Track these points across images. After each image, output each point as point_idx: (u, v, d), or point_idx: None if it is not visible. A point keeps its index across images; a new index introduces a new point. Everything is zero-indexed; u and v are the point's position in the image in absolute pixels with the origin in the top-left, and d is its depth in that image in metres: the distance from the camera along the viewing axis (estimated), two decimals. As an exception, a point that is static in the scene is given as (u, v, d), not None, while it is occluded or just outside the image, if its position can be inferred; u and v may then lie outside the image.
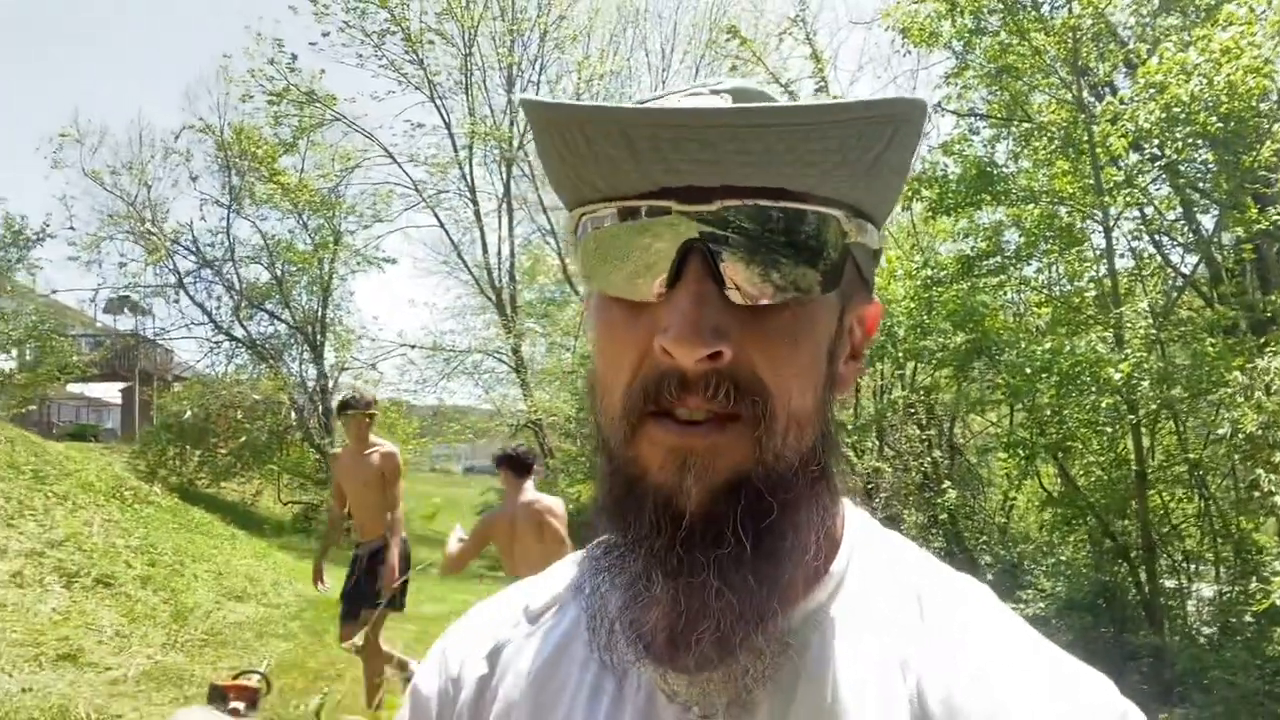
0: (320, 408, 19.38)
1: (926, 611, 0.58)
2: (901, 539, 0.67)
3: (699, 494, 0.52)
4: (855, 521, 0.65)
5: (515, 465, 4.29)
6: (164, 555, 8.20)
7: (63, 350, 17.92)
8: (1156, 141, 7.75)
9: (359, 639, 4.70)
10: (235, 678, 5.02)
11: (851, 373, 0.64)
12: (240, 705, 4.51)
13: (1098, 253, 9.24)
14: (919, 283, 8.47)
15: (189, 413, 16.34)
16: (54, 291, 20.19)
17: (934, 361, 8.86)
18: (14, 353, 17.68)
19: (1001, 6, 8.56)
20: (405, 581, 4.82)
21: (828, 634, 0.58)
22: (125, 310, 24.00)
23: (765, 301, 0.53)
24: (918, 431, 12.03)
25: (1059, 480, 10.35)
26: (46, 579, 6.55)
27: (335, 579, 5.37)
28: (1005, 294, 9.33)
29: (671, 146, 0.50)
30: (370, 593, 4.84)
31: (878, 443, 13.15)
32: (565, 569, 0.72)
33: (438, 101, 18.62)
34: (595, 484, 0.61)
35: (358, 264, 20.23)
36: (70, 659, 5.35)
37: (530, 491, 4.26)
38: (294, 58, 17.16)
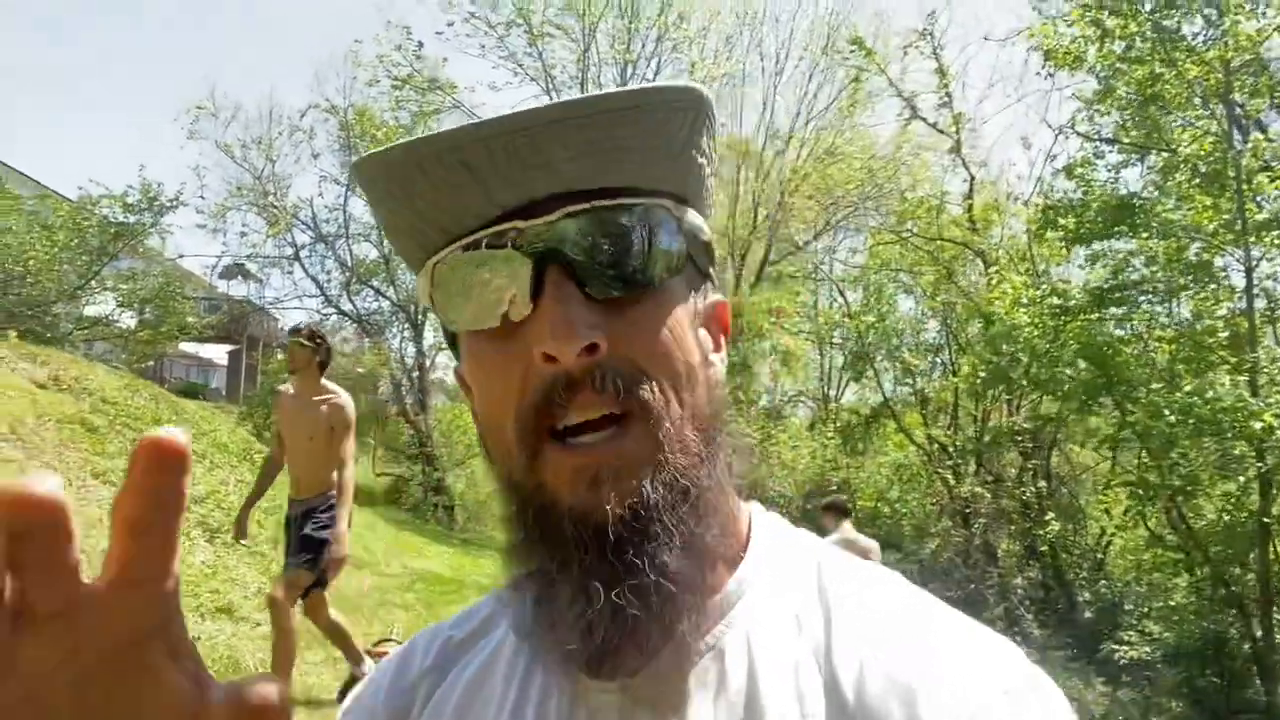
0: (417, 385, 19.99)
1: (832, 599, 0.59)
2: (809, 535, 0.68)
3: (617, 503, 0.52)
4: (760, 518, 0.66)
5: (837, 510, 5.55)
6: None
7: (183, 311, 18.85)
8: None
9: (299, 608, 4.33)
10: (377, 644, 5.31)
11: (719, 368, 0.64)
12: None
13: (1231, 290, 8.97)
14: (1045, 311, 8.32)
15: (297, 380, 17.04)
16: (180, 256, 21.23)
17: (1059, 394, 8.70)
18: (144, 311, 18.64)
19: (1154, 35, 8.34)
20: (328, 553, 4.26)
21: (742, 630, 0.58)
22: (240, 277, 25.13)
23: (622, 295, 0.55)
24: (1020, 460, 11.81)
25: (1166, 522, 10.07)
26: (193, 533, 6.98)
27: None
28: (1132, 327, 9.10)
29: (505, 155, 0.52)
30: (298, 557, 4.25)
31: (975, 466, 12.97)
32: (490, 599, 0.72)
33: (552, 94, 18.96)
34: (502, 524, 0.60)
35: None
36: (225, 612, 5.72)
37: (849, 531, 5.36)
38: (420, 45, 17.70)
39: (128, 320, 18.44)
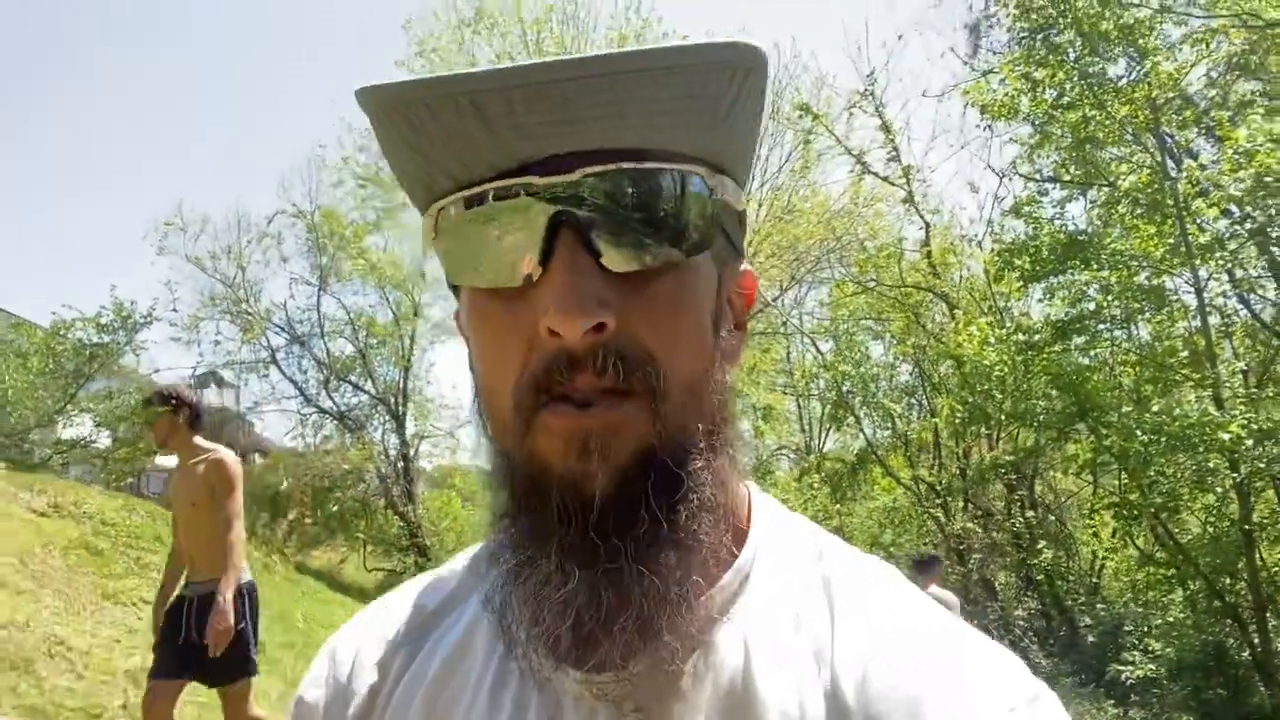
0: (403, 476, 19.97)
1: (836, 598, 0.57)
2: (809, 523, 0.65)
3: (605, 475, 0.50)
4: (761, 506, 0.64)
5: (922, 566, 6.49)
6: (297, 622, 8.65)
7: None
8: (1248, 207, 7.99)
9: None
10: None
11: (737, 342, 0.62)
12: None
13: (1185, 310, 9.43)
14: (1013, 348, 8.71)
15: (285, 483, 17.01)
16: (156, 371, 21.20)
17: (1035, 425, 9.04)
18: (118, 429, 18.57)
19: (1081, 82, 8.93)
20: (244, 636, 3.70)
21: (739, 626, 0.56)
22: (212, 385, 25.12)
23: (640, 268, 0.51)
24: (1006, 492, 12.09)
25: (1154, 540, 10.36)
26: (207, 646, 7.00)
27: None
28: (1096, 354, 9.51)
29: (525, 108, 0.48)
30: (207, 658, 3.60)
31: (963, 503, 13.23)
32: (462, 565, 0.69)
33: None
34: (490, 492, 0.57)
35: (437, 335, 21.01)
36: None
37: (931, 583, 6.15)
38: (383, 145, 18.16)
39: (104, 440, 18.37)
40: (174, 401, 3.86)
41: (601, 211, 0.50)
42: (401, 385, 20.52)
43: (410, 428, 20.74)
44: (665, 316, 0.52)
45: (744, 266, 0.63)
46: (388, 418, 20.67)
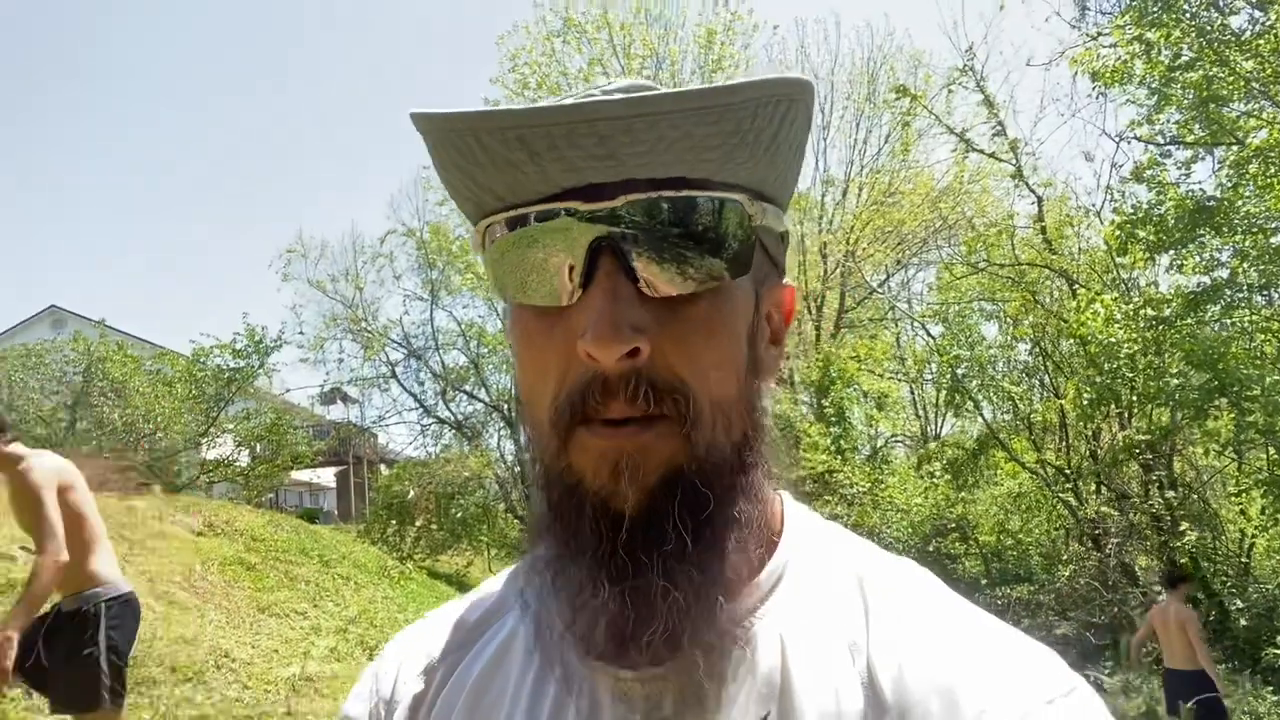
0: (520, 481, 20.52)
1: (870, 594, 0.59)
2: (842, 529, 0.67)
3: (635, 495, 0.52)
4: (795, 513, 0.65)
5: (1168, 579, 6.68)
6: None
7: (295, 442, 19.88)
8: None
9: None
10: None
11: (773, 359, 0.63)
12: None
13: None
14: (1142, 323, 8.30)
15: (412, 492, 17.72)
16: (287, 390, 22.48)
17: (1171, 404, 8.60)
18: (256, 448, 19.71)
19: (1200, 40, 8.43)
20: (92, 660, 3.26)
21: (774, 621, 0.58)
22: (337, 400, 26.39)
23: (678, 293, 0.53)
24: (1143, 472, 11.52)
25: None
26: (355, 653, 7.41)
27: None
28: (1233, 324, 8.97)
29: (567, 144, 0.50)
30: (53, 679, 3.28)
31: (1095, 486, 12.67)
32: (499, 585, 0.72)
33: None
34: (532, 498, 0.60)
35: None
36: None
37: (1175, 600, 6.26)
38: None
39: (244, 458, 19.55)
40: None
41: (641, 237, 0.52)
42: (513, 392, 21.09)
43: (524, 433, 21.23)
44: (699, 340, 0.54)
45: (785, 283, 0.65)
46: (502, 424, 21.30)
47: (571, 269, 0.53)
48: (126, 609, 3.45)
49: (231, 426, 18.66)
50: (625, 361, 0.51)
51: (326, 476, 30.36)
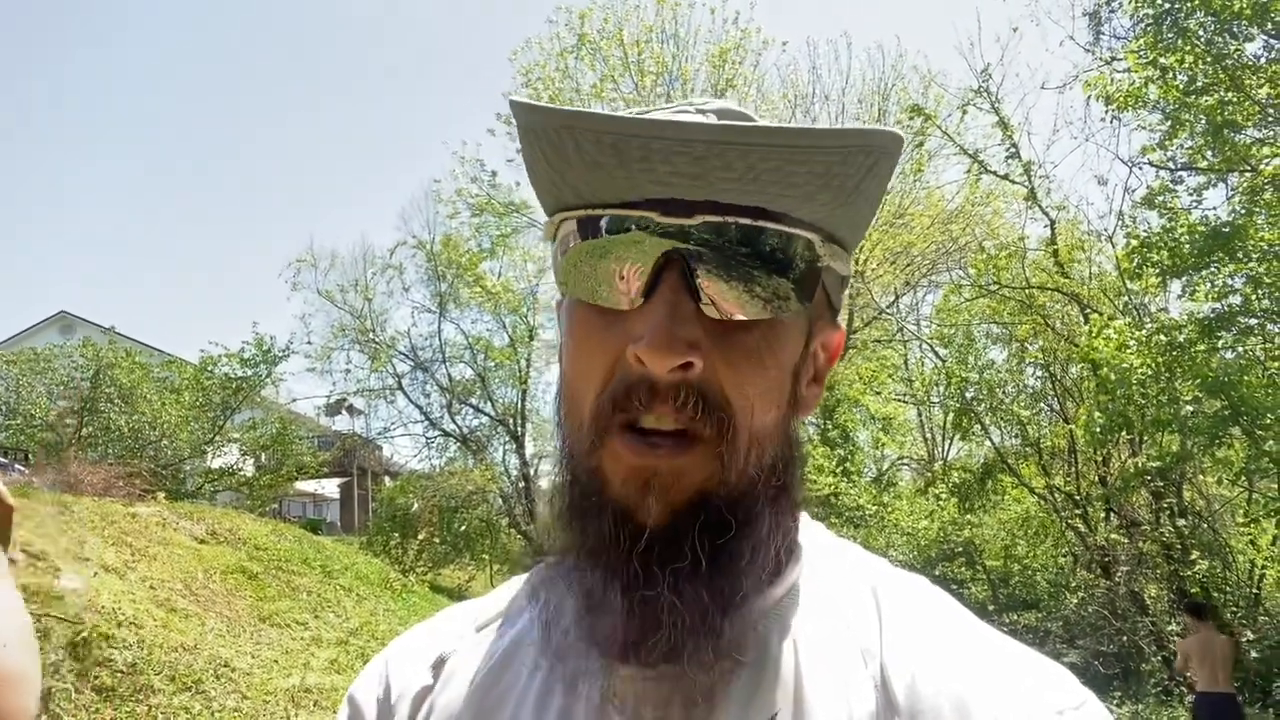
0: (524, 496, 20.45)
1: (884, 604, 0.59)
2: (857, 546, 0.67)
3: (660, 511, 0.53)
4: (810, 529, 0.66)
5: (1194, 610, 7.03)
6: (435, 642, 8.96)
7: (300, 452, 19.88)
8: None
9: None
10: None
11: (813, 396, 0.64)
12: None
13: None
14: (1154, 349, 8.24)
15: (415, 505, 17.67)
16: (293, 400, 22.47)
17: (1183, 431, 8.52)
18: (261, 457, 19.72)
19: (1215, 65, 8.42)
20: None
21: (788, 627, 0.58)
22: (342, 411, 26.40)
23: (737, 317, 0.54)
24: (1153, 500, 11.42)
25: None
26: (355, 665, 7.34)
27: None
28: (1246, 351, 8.90)
29: (661, 158, 0.51)
30: None
31: (1104, 513, 12.56)
32: (512, 586, 0.73)
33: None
34: (553, 494, 0.60)
35: (552, 356, 21.45)
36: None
37: (1209, 629, 6.68)
38: (494, 174, 18.76)
39: (249, 467, 19.55)
40: None
41: (709, 259, 0.53)
42: (519, 406, 21.06)
43: (530, 448, 21.19)
44: (750, 367, 0.55)
45: (838, 326, 0.66)
46: (508, 438, 21.23)
47: (637, 277, 0.54)
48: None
49: (237, 435, 18.68)
50: (676, 374, 0.52)
51: (330, 487, 30.33)
